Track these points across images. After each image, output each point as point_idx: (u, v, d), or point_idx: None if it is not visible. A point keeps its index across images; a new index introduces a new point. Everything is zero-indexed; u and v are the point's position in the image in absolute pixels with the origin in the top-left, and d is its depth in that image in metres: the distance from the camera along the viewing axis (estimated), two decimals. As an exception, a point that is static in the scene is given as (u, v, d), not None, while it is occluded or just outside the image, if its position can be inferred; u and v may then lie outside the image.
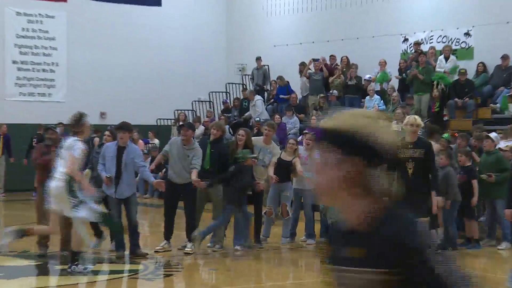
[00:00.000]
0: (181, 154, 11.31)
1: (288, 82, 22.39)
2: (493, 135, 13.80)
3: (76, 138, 9.49)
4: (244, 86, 25.10)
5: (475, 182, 12.31)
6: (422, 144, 9.68)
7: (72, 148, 9.34)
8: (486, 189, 12.35)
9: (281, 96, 22.16)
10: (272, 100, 22.61)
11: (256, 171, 12.02)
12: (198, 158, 11.30)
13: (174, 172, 11.33)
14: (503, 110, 18.07)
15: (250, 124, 20.91)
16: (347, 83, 20.54)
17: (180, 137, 11.62)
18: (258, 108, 21.28)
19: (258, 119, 20.43)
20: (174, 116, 24.29)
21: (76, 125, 9.63)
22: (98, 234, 11.60)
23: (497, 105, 18.22)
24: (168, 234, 11.54)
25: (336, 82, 20.85)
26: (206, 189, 11.55)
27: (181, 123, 21.98)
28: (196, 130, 17.91)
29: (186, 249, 11.36)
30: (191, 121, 23.30)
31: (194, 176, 11.12)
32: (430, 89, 18.70)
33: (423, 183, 9.46)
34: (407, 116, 9.91)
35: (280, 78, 22.32)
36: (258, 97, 21.69)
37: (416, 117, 9.75)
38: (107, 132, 11.85)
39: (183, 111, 23.72)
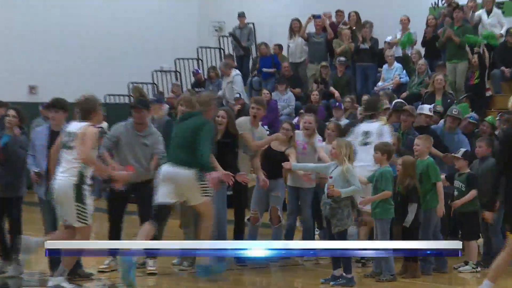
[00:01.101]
0: (134, 144, 11.26)
1: (279, 47, 22.25)
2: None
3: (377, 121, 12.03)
4: (223, 51, 25.03)
5: None
6: None
7: (383, 134, 11.75)
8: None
9: (265, 69, 22.05)
10: (258, 70, 22.52)
11: (242, 161, 12.06)
12: (161, 144, 11.29)
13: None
14: None
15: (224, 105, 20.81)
16: (358, 47, 20.50)
17: (129, 121, 11.50)
18: (237, 86, 21.10)
19: (238, 95, 20.31)
20: (128, 91, 24.21)
21: (372, 109, 12.25)
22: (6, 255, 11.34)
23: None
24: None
25: (341, 44, 20.68)
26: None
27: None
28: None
29: (149, 267, 11.31)
30: (152, 97, 23.21)
31: None
32: (468, 55, 18.70)
33: None
34: None
35: (264, 45, 22.18)
36: (236, 71, 21.53)
37: None
38: (11, 112, 11.18)
39: (140, 84, 23.59)
